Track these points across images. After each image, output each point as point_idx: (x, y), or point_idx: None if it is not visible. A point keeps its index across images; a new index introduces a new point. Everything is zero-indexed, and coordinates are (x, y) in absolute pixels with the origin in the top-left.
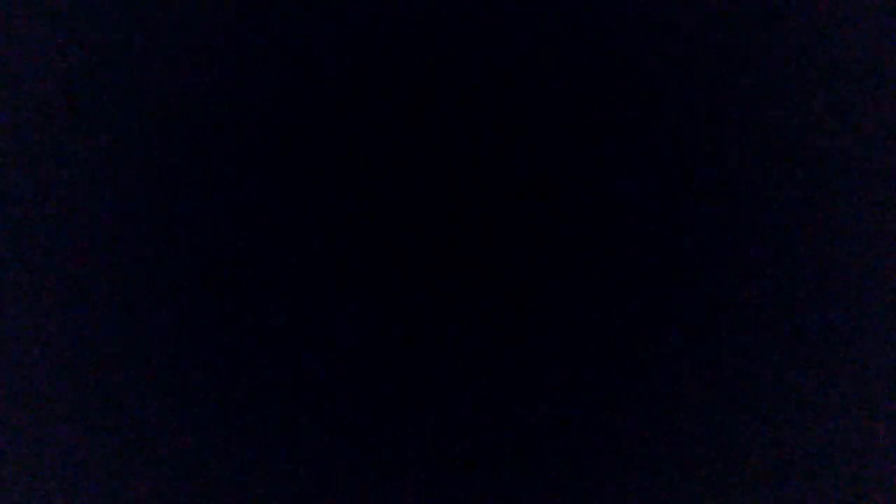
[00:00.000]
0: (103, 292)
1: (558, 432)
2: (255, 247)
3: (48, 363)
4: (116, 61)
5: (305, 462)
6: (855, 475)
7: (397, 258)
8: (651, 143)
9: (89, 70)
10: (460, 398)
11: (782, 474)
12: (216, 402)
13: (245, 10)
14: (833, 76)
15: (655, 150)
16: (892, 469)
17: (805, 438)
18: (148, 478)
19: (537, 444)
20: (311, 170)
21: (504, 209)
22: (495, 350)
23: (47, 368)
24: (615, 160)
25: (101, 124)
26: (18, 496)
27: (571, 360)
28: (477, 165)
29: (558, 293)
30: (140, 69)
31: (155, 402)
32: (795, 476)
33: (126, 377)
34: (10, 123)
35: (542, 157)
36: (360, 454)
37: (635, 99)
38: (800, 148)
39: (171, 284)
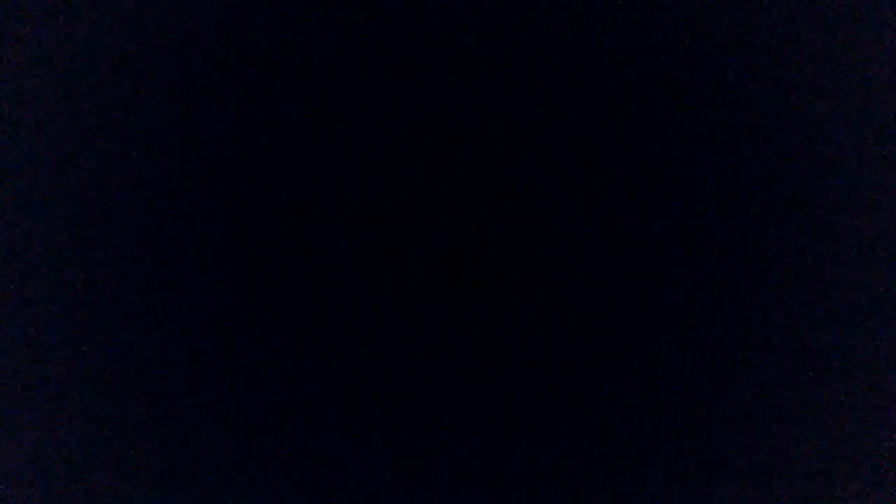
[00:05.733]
0: (103, 293)
1: (556, 433)
2: (254, 247)
3: (47, 364)
4: (116, 61)
5: (304, 463)
6: (854, 475)
7: (395, 259)
8: (652, 143)
9: (89, 71)
10: (458, 399)
11: (781, 474)
12: (215, 403)
13: (244, 11)
14: (833, 77)
15: (656, 150)
16: (892, 469)
17: (805, 439)
18: (147, 478)
19: (535, 445)
20: (311, 171)
21: (503, 210)
22: (494, 351)
23: (46, 369)
24: (615, 161)
25: (99, 126)
26: (18, 496)
27: (570, 361)
28: (477, 167)
29: (557, 294)
30: (140, 69)
31: (154, 404)
32: (794, 476)
33: (125, 378)
34: (11, 124)
35: (542, 159)
36: (358, 456)
37: (635, 100)
38: (800, 149)
39: (171, 284)
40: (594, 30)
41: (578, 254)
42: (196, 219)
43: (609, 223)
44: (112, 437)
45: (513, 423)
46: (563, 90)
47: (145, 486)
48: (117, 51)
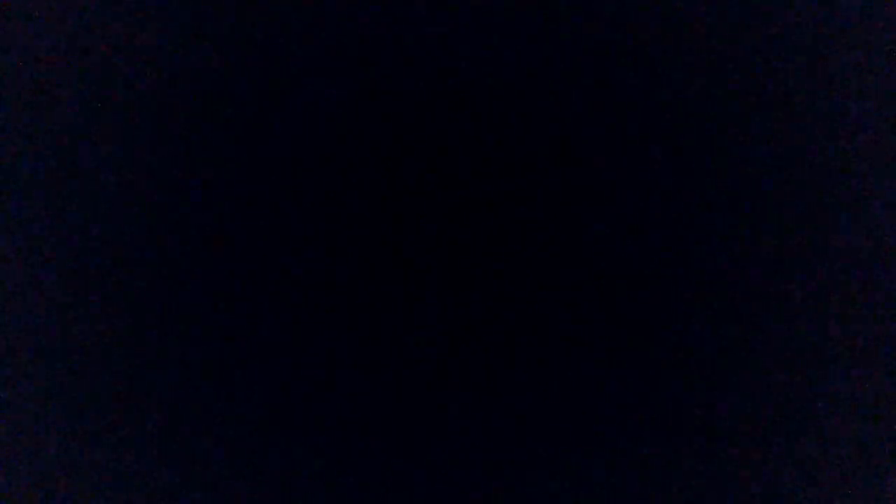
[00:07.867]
0: (104, 293)
1: (556, 435)
2: (255, 248)
3: (48, 364)
4: (117, 61)
5: (303, 465)
6: (855, 476)
7: (394, 260)
8: (651, 144)
9: (90, 70)
10: (458, 401)
11: (782, 477)
12: (215, 405)
13: (244, 11)
14: (833, 77)
15: (656, 151)
16: (892, 469)
17: (805, 440)
18: (148, 479)
19: (534, 446)
20: (312, 172)
21: (503, 211)
22: (493, 351)
23: (47, 369)
24: (614, 161)
25: (102, 124)
26: (18, 496)
27: (570, 363)
28: (475, 166)
29: (557, 295)
30: (141, 69)
31: (154, 405)
32: (795, 477)
33: (126, 379)
34: (12, 123)
35: (542, 160)
36: (357, 458)
37: (634, 101)
38: (800, 148)
39: (172, 284)
40: (594, 28)
41: (578, 254)
42: (195, 218)
43: (608, 223)
44: (111, 436)
45: (512, 423)
46: (562, 89)
47: (144, 486)
48: (115, 50)
